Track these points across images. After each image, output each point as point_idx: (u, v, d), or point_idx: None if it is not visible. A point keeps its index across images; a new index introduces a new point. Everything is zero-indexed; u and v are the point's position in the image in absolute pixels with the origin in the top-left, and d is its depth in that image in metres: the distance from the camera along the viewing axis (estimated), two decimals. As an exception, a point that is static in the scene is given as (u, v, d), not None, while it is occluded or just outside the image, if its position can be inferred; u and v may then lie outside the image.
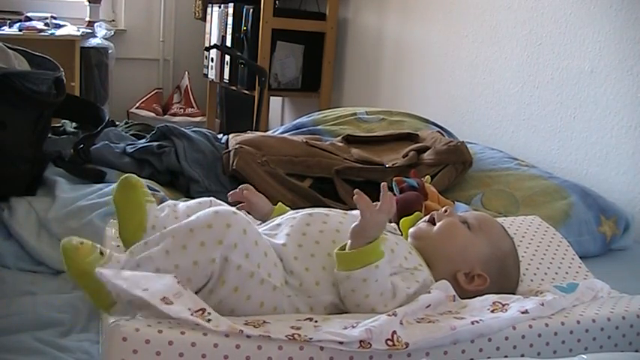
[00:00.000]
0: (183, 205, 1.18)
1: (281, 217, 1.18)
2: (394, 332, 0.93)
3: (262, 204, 1.30)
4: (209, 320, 0.88)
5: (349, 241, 1.04)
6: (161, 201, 1.55)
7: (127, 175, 1.13)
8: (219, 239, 0.95)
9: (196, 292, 0.96)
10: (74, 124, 2.09)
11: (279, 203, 1.31)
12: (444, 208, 1.24)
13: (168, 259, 0.94)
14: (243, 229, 0.98)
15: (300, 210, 1.19)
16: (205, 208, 1.14)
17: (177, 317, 0.86)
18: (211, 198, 1.22)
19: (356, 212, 1.29)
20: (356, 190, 1.07)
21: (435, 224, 1.21)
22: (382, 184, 1.12)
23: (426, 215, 1.29)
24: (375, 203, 1.07)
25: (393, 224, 1.26)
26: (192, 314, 0.87)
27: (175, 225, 0.99)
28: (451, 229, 1.19)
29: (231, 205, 1.22)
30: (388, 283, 1.05)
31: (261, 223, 1.22)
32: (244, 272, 0.96)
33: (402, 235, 1.23)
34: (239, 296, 0.97)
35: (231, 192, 1.33)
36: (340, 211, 1.21)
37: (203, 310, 0.89)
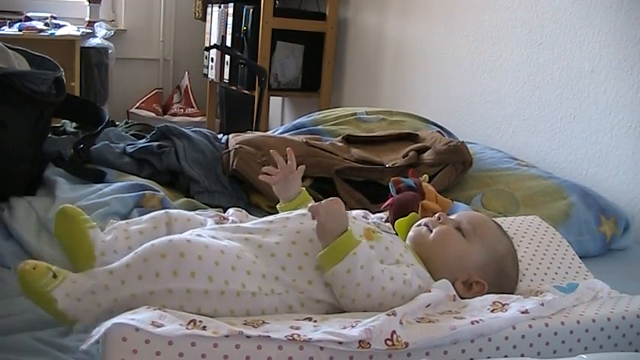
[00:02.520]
0: (134, 223, 1.18)
1: (273, 216, 1.18)
2: (394, 332, 0.93)
3: (293, 185, 1.32)
4: (204, 327, 0.88)
5: (320, 241, 1.06)
6: (161, 201, 1.55)
7: (61, 206, 1.13)
8: (174, 270, 0.96)
9: None
10: (74, 124, 2.09)
11: (304, 191, 1.33)
12: (437, 215, 1.23)
13: (124, 288, 0.96)
14: (198, 255, 0.98)
15: (294, 211, 1.20)
16: (160, 224, 1.15)
17: (172, 336, 0.86)
18: (166, 210, 1.22)
19: (355, 213, 1.30)
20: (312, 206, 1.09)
21: (430, 231, 1.21)
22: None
23: (423, 215, 1.29)
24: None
25: (387, 224, 1.26)
26: (186, 328, 0.88)
27: (131, 254, 0.99)
28: (445, 238, 1.18)
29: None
30: (377, 267, 1.05)
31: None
32: (214, 294, 0.97)
33: (397, 234, 1.23)
34: (222, 313, 0.98)
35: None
36: None
37: (194, 321, 0.90)
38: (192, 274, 0.96)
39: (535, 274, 1.29)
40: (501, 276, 1.18)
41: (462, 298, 1.12)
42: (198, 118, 4.31)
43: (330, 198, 1.09)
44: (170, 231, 1.17)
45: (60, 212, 1.12)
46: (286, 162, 1.32)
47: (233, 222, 1.26)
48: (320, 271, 1.05)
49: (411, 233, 1.22)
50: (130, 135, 2.06)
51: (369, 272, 1.03)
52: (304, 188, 1.34)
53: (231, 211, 1.33)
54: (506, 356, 0.99)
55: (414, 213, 1.30)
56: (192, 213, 1.28)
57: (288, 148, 1.34)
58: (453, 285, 1.13)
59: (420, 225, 1.23)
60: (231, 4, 3.60)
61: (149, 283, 0.95)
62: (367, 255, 1.04)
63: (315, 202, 1.14)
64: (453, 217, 1.25)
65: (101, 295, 0.96)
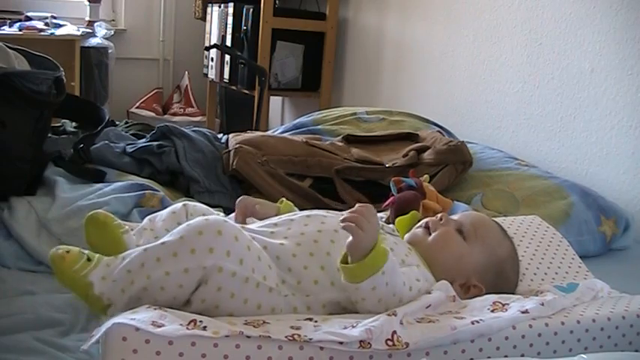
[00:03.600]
0: (159, 220, 1.18)
1: (278, 217, 1.18)
2: (394, 332, 0.93)
3: (265, 210, 1.27)
4: (204, 328, 0.88)
5: (349, 255, 1.00)
6: (161, 201, 1.55)
7: (91, 212, 1.11)
8: (210, 247, 0.95)
9: (188, 301, 0.96)
10: (74, 124, 2.09)
11: (285, 201, 1.30)
12: (439, 216, 1.22)
13: (159, 266, 0.94)
14: (235, 236, 0.98)
15: (298, 212, 1.20)
16: (181, 216, 1.15)
17: (173, 336, 0.86)
18: (184, 202, 1.22)
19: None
20: (342, 219, 1.03)
21: (429, 232, 1.21)
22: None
23: (424, 215, 1.29)
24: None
25: (391, 225, 1.26)
26: (186, 328, 0.88)
27: (167, 235, 0.99)
28: (446, 240, 1.18)
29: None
30: (400, 281, 1.03)
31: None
32: (239, 278, 0.97)
33: (399, 236, 1.23)
34: (236, 301, 0.97)
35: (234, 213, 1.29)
36: (338, 213, 1.21)
37: (194, 321, 0.90)
38: (228, 252, 0.96)
39: (535, 274, 1.29)
40: (500, 279, 1.18)
41: (460, 299, 1.12)
42: (198, 118, 4.31)
43: (364, 206, 1.02)
44: None
45: (91, 219, 1.09)
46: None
47: None
48: (330, 264, 1.03)
49: (407, 235, 1.22)
50: (130, 135, 2.06)
51: (392, 289, 1.02)
52: (284, 201, 1.30)
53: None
54: (506, 356, 0.99)
55: (415, 212, 1.30)
56: (207, 208, 1.27)
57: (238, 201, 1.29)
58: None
59: (419, 227, 1.23)
60: (231, 4, 3.60)
61: (184, 259, 0.94)
62: (392, 269, 1.02)
63: (313, 205, 1.13)
64: (455, 217, 1.25)
65: (136, 273, 0.95)
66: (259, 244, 1.06)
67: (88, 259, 0.97)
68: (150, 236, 1.13)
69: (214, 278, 0.95)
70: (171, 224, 1.16)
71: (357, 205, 1.04)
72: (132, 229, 1.20)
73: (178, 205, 1.22)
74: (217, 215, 1.27)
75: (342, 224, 1.00)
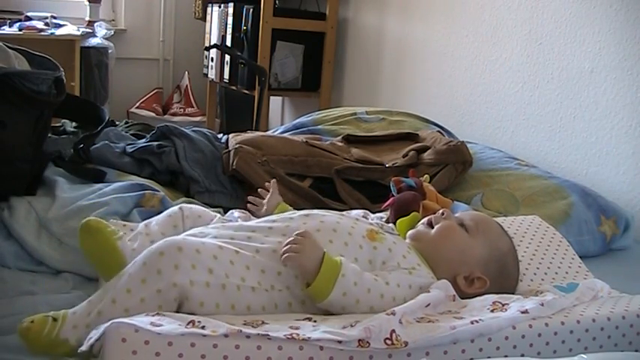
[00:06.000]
0: (154, 224, 1.19)
1: (277, 215, 1.19)
2: (393, 331, 0.93)
3: (270, 200, 1.36)
4: (203, 328, 0.89)
5: (306, 281, 1.03)
6: (161, 201, 1.55)
7: (85, 220, 1.12)
8: (175, 264, 0.96)
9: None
10: (74, 124, 2.08)
11: (282, 203, 1.35)
12: (440, 211, 1.23)
13: (132, 296, 0.95)
14: (196, 249, 0.99)
15: (297, 212, 1.20)
16: (177, 219, 1.18)
17: (172, 335, 0.86)
18: (182, 205, 1.24)
19: (354, 213, 1.30)
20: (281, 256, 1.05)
21: (432, 227, 1.21)
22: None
23: (424, 215, 1.29)
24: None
25: (390, 225, 1.26)
26: (185, 328, 0.88)
27: (129, 265, 1.00)
28: (448, 232, 1.19)
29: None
30: (368, 277, 1.04)
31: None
32: (215, 286, 0.98)
33: (399, 235, 1.23)
34: (224, 309, 0.98)
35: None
36: (337, 212, 1.22)
37: (192, 321, 0.90)
38: (193, 265, 0.97)
39: (535, 274, 1.29)
40: (503, 274, 1.19)
41: (463, 294, 1.12)
42: (198, 118, 4.32)
43: (295, 233, 1.05)
44: (185, 228, 1.19)
45: (83, 226, 1.11)
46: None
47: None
48: (314, 302, 1.04)
49: (410, 231, 1.22)
50: (130, 135, 2.06)
51: (363, 286, 1.03)
52: (282, 202, 1.38)
53: (236, 213, 1.33)
54: (506, 356, 0.99)
55: (415, 213, 1.30)
56: (204, 209, 1.28)
57: (273, 180, 1.38)
58: (455, 280, 1.13)
59: (422, 224, 1.23)
60: (231, 4, 3.60)
61: (153, 282, 0.95)
62: (353, 270, 1.04)
63: (313, 205, 1.15)
64: (455, 215, 1.25)
65: (109, 310, 0.95)
66: (256, 241, 1.06)
67: (54, 319, 0.97)
68: (145, 240, 1.14)
69: (191, 293, 0.96)
70: (167, 228, 1.17)
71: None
72: (132, 230, 1.20)
73: (175, 208, 1.22)
74: (215, 215, 1.28)
75: (282, 262, 1.03)
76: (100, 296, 0.98)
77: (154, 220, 1.21)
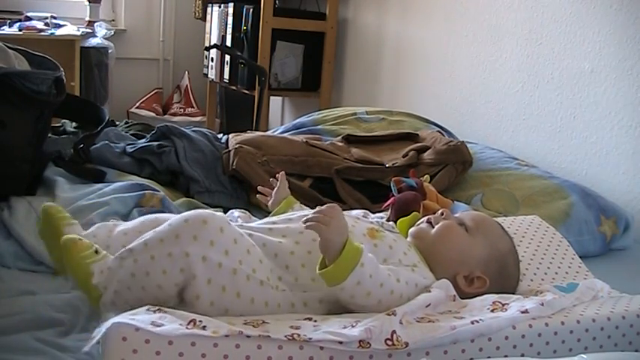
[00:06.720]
0: (122, 227, 1.18)
1: (277, 216, 1.19)
2: (394, 332, 0.93)
3: (279, 192, 1.37)
4: (204, 327, 0.88)
5: (325, 257, 1.00)
6: (161, 201, 1.55)
7: (43, 205, 1.17)
8: (194, 235, 0.96)
9: (182, 299, 0.98)
10: (74, 124, 2.09)
11: (290, 197, 1.36)
12: (440, 211, 1.23)
13: (146, 250, 0.97)
14: (220, 227, 0.99)
15: (296, 212, 1.20)
16: (145, 230, 1.13)
17: (172, 335, 0.86)
18: (157, 216, 1.21)
19: (354, 213, 1.30)
20: (304, 219, 1.03)
21: (433, 227, 1.21)
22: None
23: (424, 215, 1.29)
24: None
25: (391, 223, 1.26)
26: (186, 328, 0.88)
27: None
28: (448, 232, 1.19)
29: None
30: (383, 271, 1.03)
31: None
32: (227, 270, 0.97)
33: (399, 233, 1.23)
34: (228, 295, 0.98)
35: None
36: None
37: (194, 320, 0.90)
38: (211, 242, 0.97)
39: (535, 274, 1.29)
40: (503, 274, 1.18)
41: (463, 293, 1.12)
42: (198, 118, 4.31)
43: (326, 205, 1.04)
44: None
45: (41, 210, 1.16)
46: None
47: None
48: (325, 283, 1.02)
49: (411, 229, 1.22)
50: (130, 135, 2.06)
51: (377, 280, 1.02)
52: (289, 196, 1.38)
53: (236, 213, 1.34)
54: (506, 356, 0.99)
55: (415, 213, 1.31)
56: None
57: (282, 172, 1.38)
58: (455, 280, 1.13)
59: (422, 222, 1.23)
60: (231, 4, 3.60)
61: (169, 244, 0.96)
62: (371, 261, 1.02)
63: (313, 205, 1.14)
64: (455, 215, 1.26)
65: (125, 258, 0.99)
66: (258, 241, 1.06)
67: (96, 252, 1.03)
68: (105, 229, 1.16)
69: (200, 269, 0.95)
70: (130, 234, 1.15)
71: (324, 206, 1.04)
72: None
73: (151, 216, 1.21)
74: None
75: (304, 225, 1.01)
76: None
77: (127, 222, 1.21)
